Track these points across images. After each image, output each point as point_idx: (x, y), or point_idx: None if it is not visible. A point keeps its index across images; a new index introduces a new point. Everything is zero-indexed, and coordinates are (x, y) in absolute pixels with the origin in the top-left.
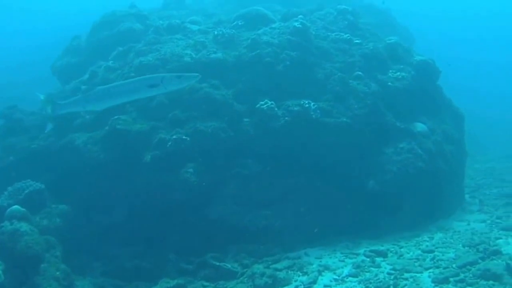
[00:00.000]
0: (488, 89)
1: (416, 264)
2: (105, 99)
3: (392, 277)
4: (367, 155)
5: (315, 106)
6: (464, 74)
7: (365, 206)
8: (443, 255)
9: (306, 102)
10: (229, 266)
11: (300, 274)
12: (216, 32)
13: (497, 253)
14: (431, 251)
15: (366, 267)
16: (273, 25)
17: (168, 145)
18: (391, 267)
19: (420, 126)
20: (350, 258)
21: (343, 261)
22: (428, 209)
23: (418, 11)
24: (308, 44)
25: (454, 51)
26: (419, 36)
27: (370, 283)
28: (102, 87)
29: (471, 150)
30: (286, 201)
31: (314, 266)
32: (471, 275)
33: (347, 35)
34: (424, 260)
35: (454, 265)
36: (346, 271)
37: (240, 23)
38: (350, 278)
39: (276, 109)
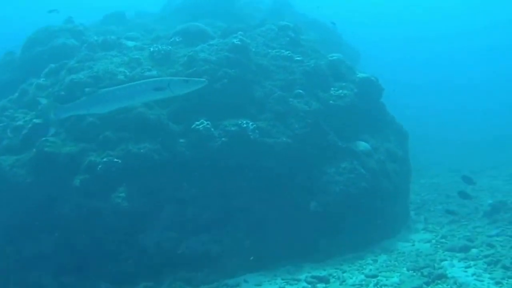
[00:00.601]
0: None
1: None
2: (109, 102)
3: None
4: (308, 176)
5: (253, 126)
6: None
7: (308, 228)
8: (387, 279)
9: (244, 122)
10: None
11: None
12: (152, 49)
13: (442, 276)
14: (375, 276)
15: None
16: (212, 42)
17: (98, 168)
18: None
19: (362, 145)
20: (291, 285)
21: None
22: (372, 229)
23: (365, 29)
24: (247, 61)
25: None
26: (365, 55)
27: None
28: (107, 89)
29: (417, 165)
30: (224, 225)
31: None
32: None
33: (288, 52)
34: (368, 286)
35: None
36: None
37: (178, 39)
38: None
39: (212, 129)
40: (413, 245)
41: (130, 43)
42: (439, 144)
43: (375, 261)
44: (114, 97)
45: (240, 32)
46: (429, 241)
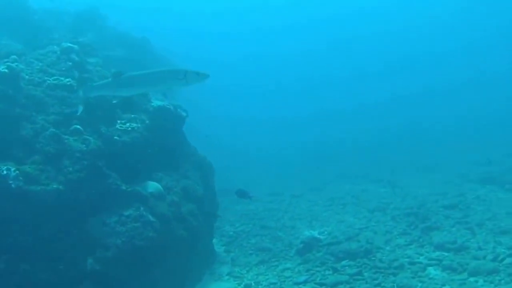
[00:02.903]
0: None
1: None
2: (134, 86)
3: None
4: (84, 228)
5: (16, 172)
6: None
7: None
8: None
9: (4, 168)
10: None
11: None
12: None
13: None
14: None
15: None
16: None
17: None
18: None
19: (152, 186)
20: None
21: None
22: (164, 284)
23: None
24: (15, 92)
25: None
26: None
27: None
28: (133, 73)
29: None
30: None
31: None
32: None
33: (68, 79)
34: None
35: None
36: None
37: None
38: None
39: None
40: None
41: None
42: (260, 166)
43: None
44: (139, 81)
45: (13, 56)
46: None
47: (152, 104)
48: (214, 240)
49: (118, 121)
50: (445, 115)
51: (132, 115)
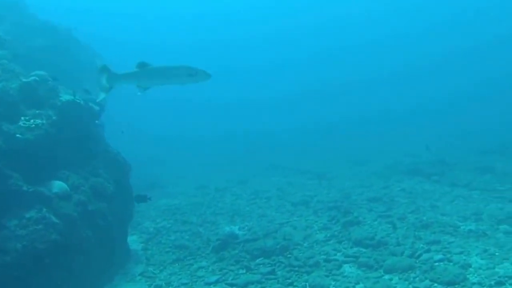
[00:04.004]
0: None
1: None
2: (153, 78)
3: None
4: None
5: None
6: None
7: None
8: None
9: None
10: None
11: None
12: None
13: None
14: None
15: None
16: None
17: None
18: None
19: (57, 186)
20: None
21: None
22: (70, 287)
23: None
24: None
25: None
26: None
27: None
28: (154, 66)
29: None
30: None
31: None
32: None
33: None
34: None
35: None
36: None
37: None
38: None
39: None
40: None
41: None
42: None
43: None
44: (158, 74)
45: None
46: None
47: (61, 98)
48: (134, 237)
49: (22, 118)
50: (379, 105)
51: (37, 111)
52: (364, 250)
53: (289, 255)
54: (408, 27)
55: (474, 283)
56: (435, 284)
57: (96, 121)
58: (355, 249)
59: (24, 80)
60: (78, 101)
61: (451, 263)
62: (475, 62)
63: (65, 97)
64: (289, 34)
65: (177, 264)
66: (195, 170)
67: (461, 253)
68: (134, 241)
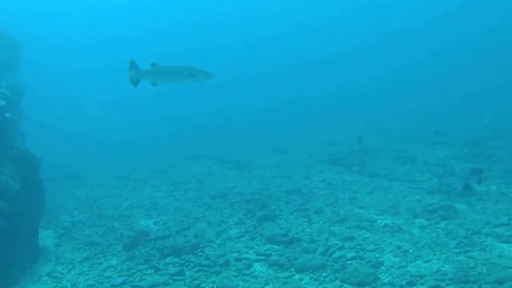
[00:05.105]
0: None
1: None
2: (163, 76)
3: None
4: None
5: None
6: None
7: None
8: None
9: None
10: None
11: None
12: None
13: None
14: None
15: None
16: None
17: None
18: None
19: None
20: None
21: None
22: None
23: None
24: None
25: None
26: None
27: None
28: (163, 65)
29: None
30: None
31: None
32: None
33: None
34: None
35: None
36: None
37: None
38: None
39: None
40: None
41: None
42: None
43: None
44: (166, 73)
45: None
46: None
47: None
48: (48, 232)
49: None
50: (308, 92)
51: None
52: (276, 247)
53: (200, 254)
54: (322, 15)
55: (385, 284)
56: (345, 285)
57: (7, 115)
58: (268, 246)
59: None
60: None
61: (363, 262)
62: (401, 48)
63: None
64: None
65: (86, 263)
66: (118, 160)
67: (374, 250)
68: (48, 236)
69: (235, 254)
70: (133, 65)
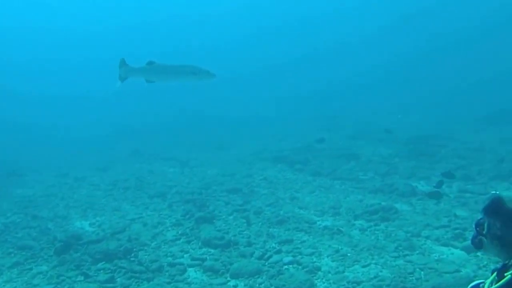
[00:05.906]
0: None
1: None
2: (160, 75)
3: None
4: None
5: None
6: None
7: None
8: None
9: None
10: None
11: None
12: None
13: None
14: None
15: None
16: None
17: None
18: None
19: None
20: None
21: None
22: None
23: None
24: None
25: None
26: None
27: None
28: (161, 64)
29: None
30: None
31: None
32: None
33: None
34: None
35: None
36: None
37: None
38: None
39: None
40: None
41: None
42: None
43: None
44: (164, 72)
45: None
46: None
47: None
48: None
49: None
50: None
51: None
52: (212, 251)
53: (132, 258)
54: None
55: None
56: None
57: None
58: (203, 249)
59: None
60: None
61: (300, 267)
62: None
63: None
64: None
65: (15, 269)
66: (60, 157)
67: (312, 254)
68: None
69: (169, 259)
70: (122, 63)
